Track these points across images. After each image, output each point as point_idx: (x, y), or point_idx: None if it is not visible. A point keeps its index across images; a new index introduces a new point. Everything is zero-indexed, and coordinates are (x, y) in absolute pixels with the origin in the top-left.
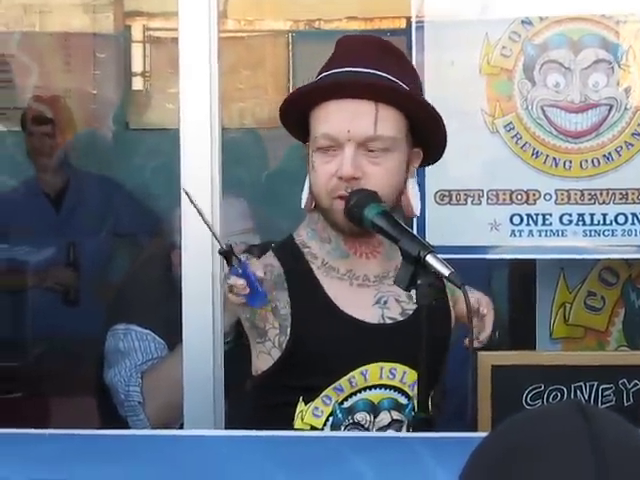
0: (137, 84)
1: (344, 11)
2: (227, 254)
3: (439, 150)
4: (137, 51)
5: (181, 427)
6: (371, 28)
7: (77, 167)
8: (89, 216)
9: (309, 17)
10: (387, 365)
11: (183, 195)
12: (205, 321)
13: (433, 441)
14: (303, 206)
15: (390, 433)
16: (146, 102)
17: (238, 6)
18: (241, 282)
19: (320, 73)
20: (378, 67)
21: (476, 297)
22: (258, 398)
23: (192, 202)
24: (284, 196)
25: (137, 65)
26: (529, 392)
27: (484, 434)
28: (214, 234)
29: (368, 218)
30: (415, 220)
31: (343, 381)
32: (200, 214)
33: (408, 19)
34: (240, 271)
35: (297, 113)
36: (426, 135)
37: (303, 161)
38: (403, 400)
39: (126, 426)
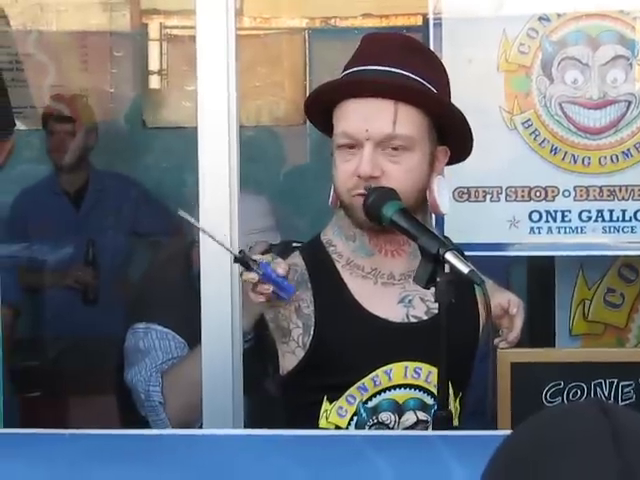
0: (154, 82)
1: (360, 8)
2: (242, 260)
3: (465, 148)
4: (154, 49)
5: (201, 427)
6: (387, 25)
7: (96, 166)
8: (108, 215)
9: (325, 14)
10: (412, 364)
11: (201, 193)
12: (224, 320)
13: (453, 439)
14: (330, 203)
15: (410, 431)
16: (163, 100)
17: (254, 4)
18: (266, 287)
19: (344, 70)
20: (400, 65)
21: (507, 297)
22: (285, 397)
23: (191, 221)
24: (302, 194)
25: (154, 63)
26: (549, 389)
27: (504, 432)
28: (222, 245)
29: (386, 216)
30: (434, 217)
31: (367, 380)
32: (202, 231)
33: (424, 16)
34: (261, 272)
35: (321, 110)
36: (450, 133)
37: (320, 158)
38: (429, 400)
39: (147, 426)
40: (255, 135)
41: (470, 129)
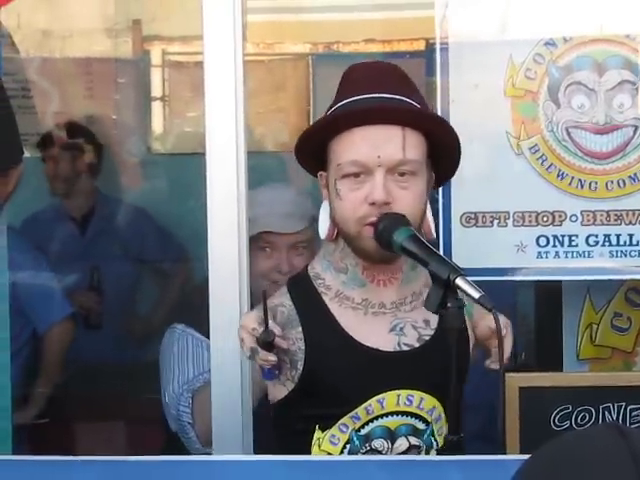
0: (157, 108)
1: (363, 34)
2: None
3: (452, 171)
4: (156, 75)
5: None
6: (390, 50)
7: (102, 192)
8: (114, 240)
9: (328, 40)
10: (404, 392)
11: (209, 220)
12: (233, 346)
13: (463, 463)
14: (323, 237)
15: (420, 456)
16: (167, 127)
17: (257, 29)
18: (272, 358)
19: (333, 105)
20: (398, 91)
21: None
22: (275, 424)
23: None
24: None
25: (156, 89)
26: (557, 413)
27: (513, 456)
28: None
29: (397, 242)
30: (441, 243)
31: (360, 410)
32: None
33: (427, 41)
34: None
35: (315, 144)
36: (442, 158)
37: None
38: (421, 425)
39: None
40: (259, 161)
41: (460, 152)
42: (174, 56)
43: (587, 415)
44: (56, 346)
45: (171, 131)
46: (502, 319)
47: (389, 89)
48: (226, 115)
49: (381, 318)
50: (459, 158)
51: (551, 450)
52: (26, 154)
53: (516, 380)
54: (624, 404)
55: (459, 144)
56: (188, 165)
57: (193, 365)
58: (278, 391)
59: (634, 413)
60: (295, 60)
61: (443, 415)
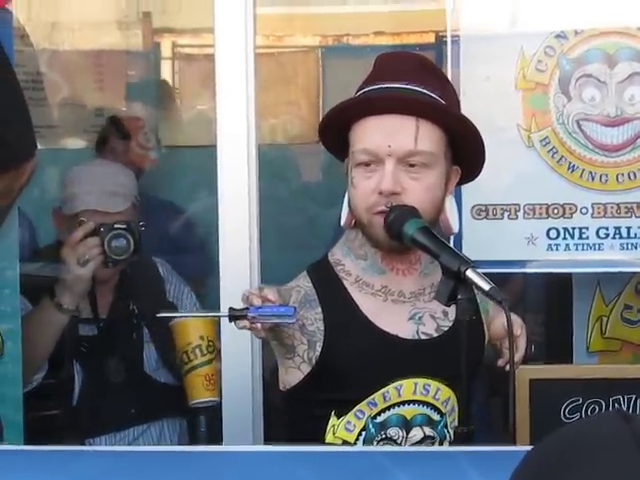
0: (167, 101)
1: (373, 26)
2: (235, 317)
3: (477, 167)
4: (166, 68)
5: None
6: (399, 43)
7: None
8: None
9: (338, 32)
10: (421, 381)
11: (220, 212)
12: (243, 337)
13: (472, 454)
14: (342, 224)
15: (431, 447)
16: (177, 119)
17: (266, 22)
18: (258, 325)
19: (359, 89)
20: (418, 83)
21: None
22: (289, 413)
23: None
24: (317, 212)
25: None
26: (567, 405)
27: (523, 447)
28: (210, 315)
29: (408, 234)
30: (452, 235)
31: (377, 395)
32: (192, 315)
33: (437, 34)
34: (255, 315)
35: (337, 129)
36: (465, 152)
37: (334, 177)
38: (436, 416)
39: None
40: (270, 154)
41: (484, 146)
42: (184, 48)
43: (597, 407)
44: None
45: (181, 123)
46: (516, 320)
47: (409, 79)
48: (237, 108)
49: (400, 306)
50: (482, 153)
51: (555, 438)
52: (38, 146)
53: (526, 372)
54: (634, 396)
55: (480, 138)
56: (201, 157)
57: None
58: (292, 376)
59: (617, 407)
60: (304, 53)
61: (457, 407)
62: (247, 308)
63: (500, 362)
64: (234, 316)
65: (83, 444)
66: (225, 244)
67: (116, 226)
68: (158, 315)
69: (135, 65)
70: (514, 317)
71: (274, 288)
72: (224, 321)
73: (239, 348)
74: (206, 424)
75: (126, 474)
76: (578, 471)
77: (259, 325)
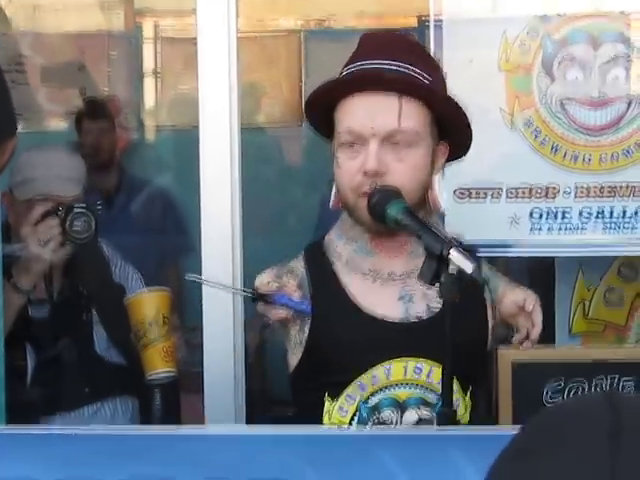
0: (149, 83)
1: (354, 10)
2: (260, 298)
3: (465, 144)
4: (148, 49)
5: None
6: (381, 26)
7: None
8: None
9: (320, 16)
10: (412, 362)
11: (203, 194)
12: (225, 312)
13: (454, 437)
14: (330, 205)
15: (409, 429)
16: (159, 101)
17: (249, 5)
18: (281, 312)
19: (343, 68)
20: (402, 61)
21: (522, 294)
22: (293, 397)
23: (203, 283)
24: (297, 195)
25: (149, 63)
26: (549, 387)
27: (505, 428)
28: (236, 291)
29: (391, 215)
30: (440, 212)
31: (364, 378)
32: (222, 286)
33: (419, 17)
34: (281, 304)
35: (322, 108)
36: (451, 128)
37: (316, 160)
38: (432, 398)
39: None
40: (251, 136)
41: (470, 124)
42: (166, 30)
43: (580, 389)
44: None
45: (164, 105)
46: (530, 295)
47: (392, 57)
48: (220, 90)
49: (390, 286)
50: (469, 130)
51: (535, 419)
52: (20, 129)
53: (509, 354)
54: (617, 377)
55: (464, 115)
56: (183, 138)
57: None
58: (291, 359)
59: (626, 387)
60: (286, 36)
61: (457, 386)
62: (271, 296)
63: (514, 339)
64: (258, 297)
65: (38, 423)
66: (206, 226)
67: (76, 206)
68: (187, 277)
69: (117, 47)
70: (528, 292)
71: (297, 287)
72: (205, 295)
73: (222, 327)
74: (161, 399)
75: (111, 457)
76: (547, 457)
77: (281, 312)
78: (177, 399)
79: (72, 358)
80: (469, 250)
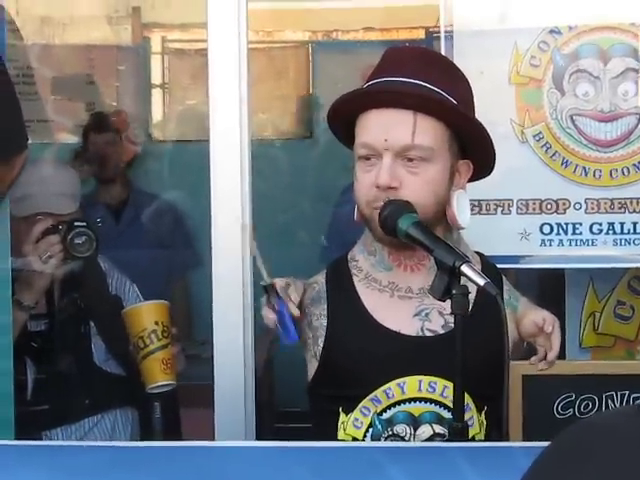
0: (157, 96)
1: (362, 22)
2: (267, 288)
3: (487, 163)
4: (156, 62)
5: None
6: (389, 39)
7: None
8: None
9: (327, 28)
10: (426, 378)
11: (213, 208)
12: (236, 326)
13: (465, 450)
14: (355, 219)
15: (421, 443)
16: (167, 114)
17: (257, 17)
18: (272, 316)
19: (367, 82)
20: (421, 77)
21: (541, 315)
22: (310, 408)
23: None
24: (307, 206)
25: (156, 76)
26: (560, 401)
27: (516, 444)
28: (261, 268)
29: (402, 229)
30: (460, 230)
31: (379, 392)
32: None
33: (427, 29)
34: (276, 307)
35: (343, 121)
36: (472, 147)
37: (326, 172)
38: (446, 414)
39: None
40: (261, 148)
41: (492, 143)
42: (174, 43)
43: (590, 403)
44: None
45: (172, 118)
46: (549, 316)
47: (412, 74)
48: (230, 103)
49: (407, 302)
50: (490, 147)
51: (572, 429)
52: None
53: (519, 368)
54: (627, 392)
55: (485, 133)
56: (193, 151)
57: None
58: (309, 370)
59: (637, 401)
60: (295, 48)
61: (472, 405)
62: (276, 296)
63: (532, 359)
64: (267, 289)
65: (40, 437)
66: (217, 239)
67: (76, 224)
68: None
69: (125, 60)
70: (547, 314)
71: (300, 287)
72: (216, 307)
73: (231, 341)
74: (161, 410)
75: (120, 470)
76: (595, 461)
77: (269, 319)
78: (177, 410)
79: (71, 370)
80: (491, 267)
